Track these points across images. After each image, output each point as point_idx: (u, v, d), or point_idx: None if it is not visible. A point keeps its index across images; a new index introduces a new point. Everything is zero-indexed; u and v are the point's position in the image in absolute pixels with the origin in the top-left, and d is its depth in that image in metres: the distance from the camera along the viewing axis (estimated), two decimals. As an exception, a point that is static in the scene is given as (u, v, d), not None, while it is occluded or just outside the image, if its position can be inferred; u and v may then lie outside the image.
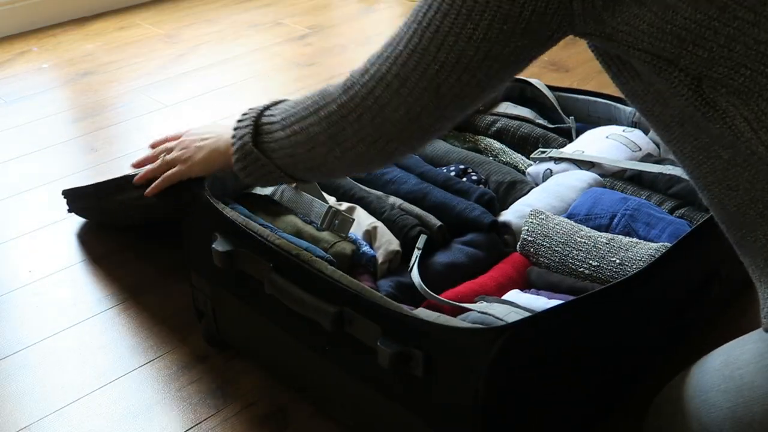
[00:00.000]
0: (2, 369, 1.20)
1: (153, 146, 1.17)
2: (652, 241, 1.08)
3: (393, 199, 1.19)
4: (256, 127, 0.93)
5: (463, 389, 0.84)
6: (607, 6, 0.69)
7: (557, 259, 1.08)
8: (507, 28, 0.72)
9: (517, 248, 1.12)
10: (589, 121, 1.46)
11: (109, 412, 1.12)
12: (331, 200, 1.20)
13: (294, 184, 1.16)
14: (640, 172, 1.24)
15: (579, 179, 1.23)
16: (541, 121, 1.43)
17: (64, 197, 1.52)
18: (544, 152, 1.31)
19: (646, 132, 1.35)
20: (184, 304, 1.31)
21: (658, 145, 1.32)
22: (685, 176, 1.20)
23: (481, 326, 0.85)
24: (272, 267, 1.00)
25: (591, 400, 1.02)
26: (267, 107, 0.95)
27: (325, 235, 1.09)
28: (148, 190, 1.12)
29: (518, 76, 1.53)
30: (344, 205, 1.18)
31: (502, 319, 0.89)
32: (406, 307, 0.91)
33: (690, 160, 0.77)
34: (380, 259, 1.08)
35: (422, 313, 0.92)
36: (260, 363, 1.18)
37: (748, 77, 0.66)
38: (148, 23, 2.62)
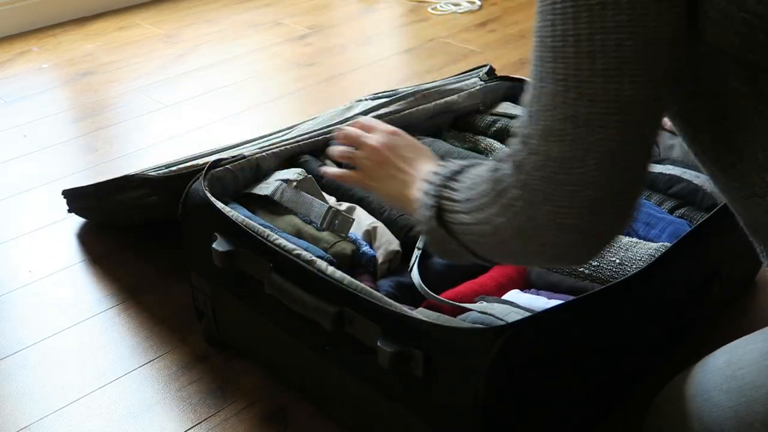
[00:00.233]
0: (2, 369, 1.20)
1: (356, 125, 1.00)
2: (652, 240, 1.08)
3: (393, 199, 1.19)
4: (440, 201, 0.78)
5: (463, 389, 0.84)
6: None
7: (557, 259, 1.08)
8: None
9: (517, 248, 1.12)
10: (589, 121, 1.45)
11: (109, 412, 1.12)
12: (331, 200, 1.20)
13: (294, 184, 1.16)
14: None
15: (579, 179, 1.22)
16: (541, 121, 1.43)
17: (64, 197, 1.52)
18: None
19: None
20: (184, 304, 1.31)
21: (657, 145, 1.32)
22: (685, 176, 1.20)
23: (481, 326, 0.85)
24: (272, 267, 1.00)
25: (591, 400, 1.02)
26: (450, 176, 0.79)
27: (325, 235, 1.09)
28: (326, 170, 1.00)
29: (518, 76, 1.54)
30: (344, 205, 1.18)
31: (502, 319, 0.89)
32: (406, 307, 0.91)
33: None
34: (380, 259, 1.08)
35: (422, 313, 0.92)
36: (260, 363, 1.18)
37: None
38: (148, 23, 2.62)
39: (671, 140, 1.31)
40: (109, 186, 1.38)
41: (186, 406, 1.13)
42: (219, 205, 1.08)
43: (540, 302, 0.98)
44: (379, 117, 1.38)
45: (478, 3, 2.70)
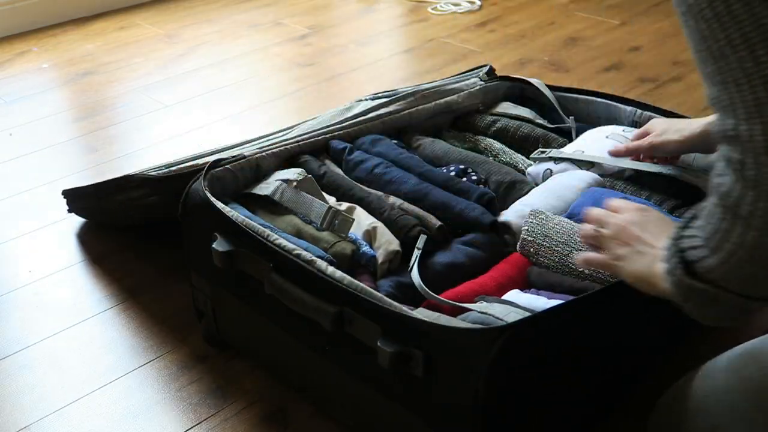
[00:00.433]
0: (2, 369, 1.20)
1: (590, 216, 0.95)
2: (652, 241, 1.08)
3: (393, 199, 1.19)
4: (683, 255, 0.73)
5: (463, 389, 0.84)
6: None
7: (557, 259, 1.08)
8: None
9: (517, 248, 1.12)
10: (589, 121, 1.46)
11: (109, 412, 1.12)
12: (331, 200, 1.20)
13: (294, 184, 1.16)
14: (640, 172, 1.24)
15: (579, 179, 1.23)
16: (541, 121, 1.43)
17: (64, 197, 1.53)
18: (543, 152, 1.31)
19: (646, 132, 1.35)
20: (184, 304, 1.31)
21: (658, 145, 1.32)
22: (685, 176, 1.20)
23: (481, 326, 0.85)
24: (272, 267, 1.00)
25: (591, 400, 1.02)
26: (683, 226, 0.75)
27: (325, 235, 1.09)
28: (578, 257, 0.94)
29: (518, 76, 1.54)
30: (344, 205, 1.18)
31: (502, 319, 0.89)
32: (406, 307, 0.91)
33: None
34: (380, 259, 1.08)
35: (422, 313, 0.92)
36: (260, 363, 1.18)
37: None
38: (148, 23, 2.62)
39: (671, 140, 1.31)
40: (109, 186, 1.38)
41: (186, 406, 1.13)
42: (219, 205, 1.08)
43: (540, 302, 0.98)
44: (379, 117, 1.38)
45: (478, 3, 2.70)
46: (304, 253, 0.99)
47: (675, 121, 1.21)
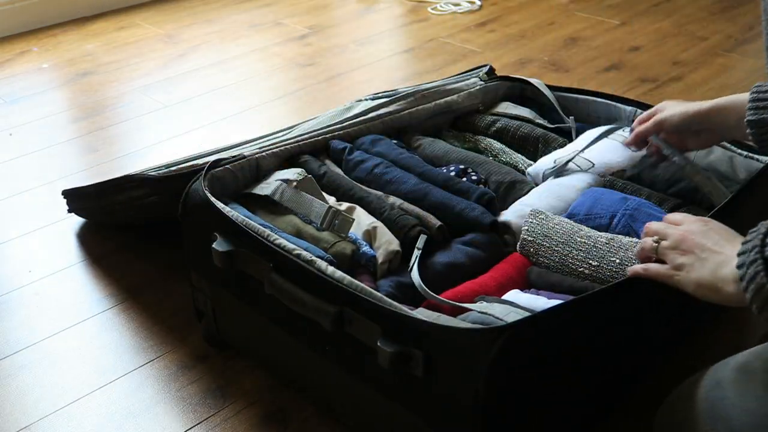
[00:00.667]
0: (2, 369, 1.20)
1: (650, 229, 0.95)
2: (652, 241, 1.08)
3: (393, 199, 1.19)
4: (767, 262, 0.73)
5: (463, 389, 0.84)
6: None
7: (557, 259, 1.08)
8: None
9: (517, 248, 1.12)
10: (589, 121, 1.46)
11: (109, 412, 1.12)
12: (331, 200, 1.20)
13: (294, 184, 1.16)
14: (640, 171, 1.24)
15: (579, 179, 1.23)
16: (541, 121, 1.43)
17: (64, 197, 1.53)
18: (554, 164, 1.31)
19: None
20: (184, 304, 1.31)
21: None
22: (689, 169, 1.20)
23: (481, 326, 0.85)
24: (272, 267, 1.00)
25: (591, 400, 1.02)
26: (767, 232, 0.75)
27: (325, 235, 1.09)
28: (629, 269, 0.93)
29: (518, 76, 1.54)
30: (344, 205, 1.18)
31: (502, 319, 0.89)
32: (406, 307, 0.91)
33: None
34: (380, 259, 1.08)
35: (422, 313, 0.92)
36: (260, 363, 1.18)
37: None
38: (148, 23, 2.62)
39: (671, 140, 1.31)
40: (109, 186, 1.38)
41: (186, 406, 1.13)
42: (219, 205, 1.08)
43: (540, 302, 0.98)
44: (379, 117, 1.38)
45: (478, 3, 2.70)
46: (304, 253, 0.99)
47: (683, 102, 1.17)
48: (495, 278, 1.07)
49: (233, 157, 1.20)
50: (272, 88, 2.13)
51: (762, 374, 0.78)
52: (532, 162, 1.33)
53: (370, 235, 1.11)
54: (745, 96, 1.04)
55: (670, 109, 1.15)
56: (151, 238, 1.49)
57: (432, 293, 1.00)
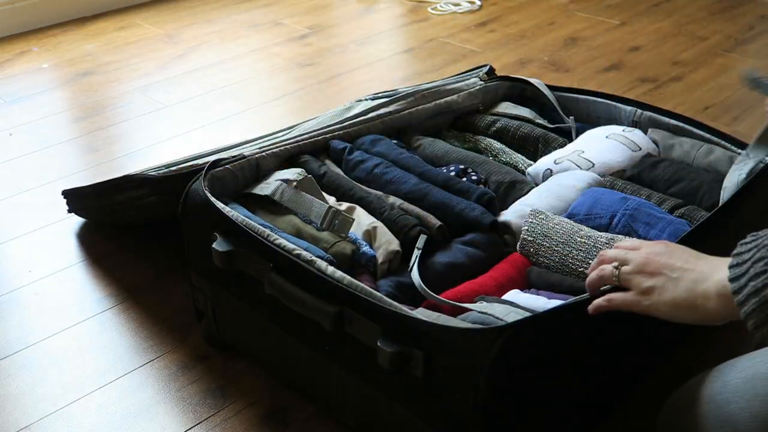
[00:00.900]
0: (2, 369, 1.20)
1: (606, 256, 0.89)
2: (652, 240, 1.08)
3: (393, 199, 1.19)
4: None
5: (463, 389, 0.84)
6: None
7: (557, 259, 1.08)
8: None
9: (517, 248, 1.12)
10: (589, 121, 1.46)
11: (109, 412, 1.12)
12: (331, 200, 1.20)
13: (294, 184, 1.16)
14: (640, 171, 1.24)
15: (579, 179, 1.23)
16: (541, 121, 1.43)
17: (64, 197, 1.53)
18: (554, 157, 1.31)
19: (645, 132, 1.35)
20: (184, 304, 1.31)
21: (657, 145, 1.32)
22: (684, 174, 1.20)
23: (481, 326, 0.85)
24: (272, 267, 1.00)
25: (591, 400, 1.02)
26: None
27: (325, 235, 1.09)
28: (591, 307, 0.86)
29: (518, 76, 1.54)
30: (344, 205, 1.18)
31: (502, 319, 0.89)
32: (406, 307, 0.91)
33: None
34: (380, 259, 1.08)
35: (422, 313, 0.92)
36: (260, 363, 1.18)
37: None
38: (148, 23, 2.62)
39: (671, 140, 1.31)
40: (109, 186, 1.38)
41: (186, 406, 1.13)
42: (219, 205, 1.08)
43: (540, 302, 0.98)
44: (379, 117, 1.38)
45: (478, 3, 2.70)
46: (304, 253, 0.99)
47: None
48: (495, 278, 1.07)
49: (233, 157, 1.20)
50: (272, 88, 2.13)
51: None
52: (532, 162, 1.33)
53: (370, 235, 1.11)
54: None
55: None
56: (151, 238, 1.49)
57: (432, 293, 1.00)
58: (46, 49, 2.41)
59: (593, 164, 1.27)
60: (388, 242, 1.09)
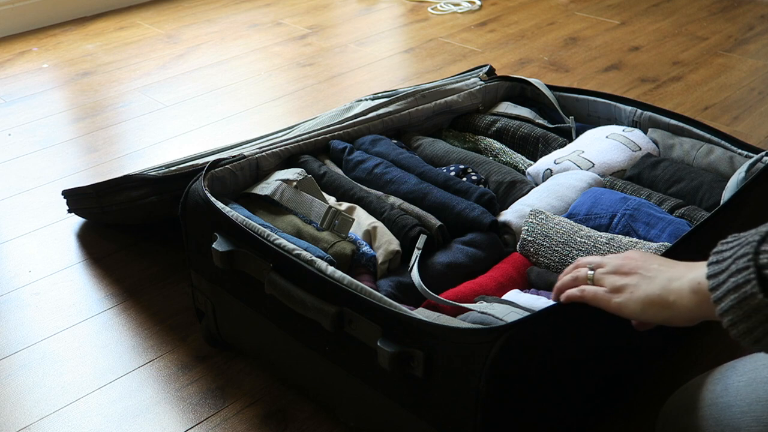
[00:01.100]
0: (2, 369, 1.20)
1: (582, 261, 0.89)
2: (652, 240, 1.08)
3: (393, 199, 1.19)
4: (760, 270, 0.66)
5: (463, 389, 0.84)
6: None
7: (557, 259, 1.08)
8: None
9: (517, 248, 1.12)
10: (589, 121, 1.46)
11: (109, 412, 1.12)
12: (331, 200, 1.20)
13: (294, 184, 1.16)
14: (640, 171, 1.24)
15: (579, 179, 1.23)
16: (541, 121, 1.43)
17: (64, 197, 1.53)
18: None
19: (645, 132, 1.35)
20: (184, 304, 1.31)
21: (657, 145, 1.32)
22: (684, 174, 1.20)
23: (481, 326, 0.85)
24: (272, 267, 1.00)
25: (591, 400, 1.02)
26: (765, 235, 0.69)
27: (325, 235, 1.09)
28: (563, 296, 0.87)
29: (518, 76, 1.54)
30: (344, 205, 1.18)
31: (502, 319, 0.89)
32: (406, 307, 0.91)
33: None
34: (380, 259, 1.08)
35: (422, 313, 0.92)
36: (260, 363, 1.18)
37: None
38: (148, 23, 2.62)
39: (671, 140, 1.31)
40: (109, 186, 1.38)
41: (186, 406, 1.13)
42: (219, 205, 1.08)
43: (540, 302, 0.98)
44: (379, 117, 1.38)
45: (478, 3, 2.70)
46: (304, 253, 0.99)
47: None
48: (495, 278, 1.07)
49: (233, 157, 1.20)
50: (272, 88, 2.13)
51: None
52: (532, 162, 1.33)
53: (370, 235, 1.11)
54: None
55: None
56: (151, 238, 1.49)
57: (432, 293, 1.00)
58: (46, 49, 2.41)
59: (593, 164, 1.27)
60: (388, 242, 1.09)
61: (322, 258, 1.01)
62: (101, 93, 2.12)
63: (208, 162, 1.18)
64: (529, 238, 1.10)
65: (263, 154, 1.23)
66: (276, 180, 1.17)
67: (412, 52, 2.36)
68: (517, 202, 1.20)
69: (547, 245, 1.09)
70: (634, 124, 1.39)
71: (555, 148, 1.35)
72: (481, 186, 1.23)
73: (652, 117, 1.36)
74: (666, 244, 1.05)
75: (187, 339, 1.25)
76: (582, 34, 2.42)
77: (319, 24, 2.59)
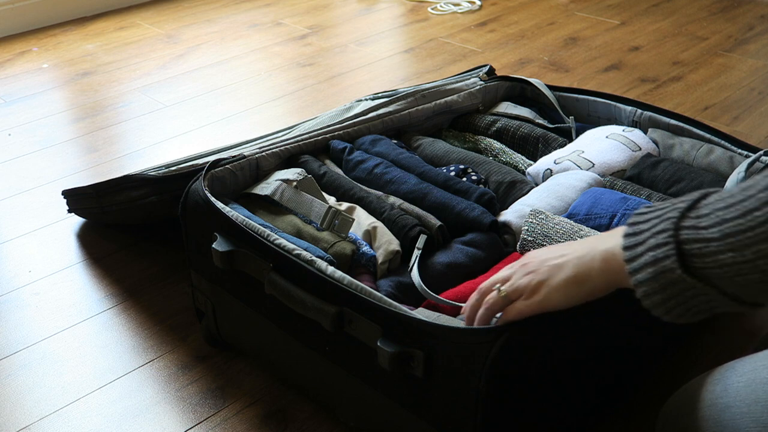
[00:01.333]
0: (2, 369, 1.20)
1: (484, 285, 0.87)
2: (652, 241, 1.08)
3: (393, 199, 1.19)
4: (684, 247, 0.67)
5: (463, 389, 0.84)
6: None
7: (557, 259, 1.08)
8: None
9: (517, 248, 1.12)
10: (589, 121, 1.46)
11: (109, 412, 1.12)
12: (331, 200, 1.20)
13: (294, 184, 1.16)
14: (640, 171, 1.24)
15: (579, 179, 1.23)
16: (541, 121, 1.43)
17: (64, 197, 1.53)
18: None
19: (645, 132, 1.35)
20: (184, 304, 1.31)
21: (657, 145, 1.32)
22: (684, 174, 1.20)
23: (481, 326, 0.85)
24: (272, 267, 1.00)
25: (591, 400, 1.02)
26: (685, 211, 0.69)
27: (325, 235, 1.09)
28: (472, 321, 0.86)
29: (518, 76, 1.54)
30: (344, 205, 1.18)
31: (502, 319, 0.89)
32: (406, 307, 0.91)
33: None
34: (380, 259, 1.08)
35: (422, 313, 0.92)
36: (260, 363, 1.18)
37: None
38: (148, 23, 2.62)
39: (671, 140, 1.31)
40: (109, 186, 1.38)
41: (186, 406, 1.13)
42: (219, 205, 1.08)
43: (540, 302, 0.98)
44: (379, 117, 1.38)
45: (478, 3, 2.70)
46: (304, 253, 0.99)
47: None
48: (495, 278, 1.07)
49: (233, 157, 1.20)
50: (272, 88, 2.13)
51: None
52: (532, 162, 1.33)
53: (370, 235, 1.11)
54: None
55: None
56: (151, 238, 1.49)
57: (432, 293, 1.00)
58: (46, 49, 2.41)
59: (593, 164, 1.27)
60: (388, 242, 1.09)
61: (322, 258, 1.01)
62: (101, 93, 2.12)
63: (208, 162, 1.18)
64: (529, 238, 1.10)
65: (263, 154, 1.23)
66: (276, 180, 1.17)
67: (412, 52, 2.36)
68: (517, 202, 1.20)
69: (547, 245, 1.09)
70: (634, 124, 1.39)
71: (555, 148, 1.35)
72: (481, 186, 1.23)
73: (652, 117, 1.36)
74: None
75: (187, 339, 1.25)
76: (582, 34, 2.42)
77: (319, 24, 2.59)
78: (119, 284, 1.38)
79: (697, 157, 1.26)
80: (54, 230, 1.54)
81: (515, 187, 1.25)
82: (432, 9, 2.67)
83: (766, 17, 2.52)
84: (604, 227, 1.12)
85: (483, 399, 0.83)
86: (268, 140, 1.35)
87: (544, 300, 0.80)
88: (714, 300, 0.67)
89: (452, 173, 1.26)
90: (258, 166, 1.22)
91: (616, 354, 1.01)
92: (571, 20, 2.54)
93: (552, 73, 2.14)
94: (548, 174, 1.27)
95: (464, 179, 1.25)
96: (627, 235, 0.72)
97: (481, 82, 1.51)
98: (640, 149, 1.29)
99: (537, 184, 1.26)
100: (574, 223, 1.11)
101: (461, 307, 0.95)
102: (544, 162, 1.29)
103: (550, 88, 1.49)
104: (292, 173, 1.18)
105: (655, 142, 1.32)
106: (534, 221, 1.11)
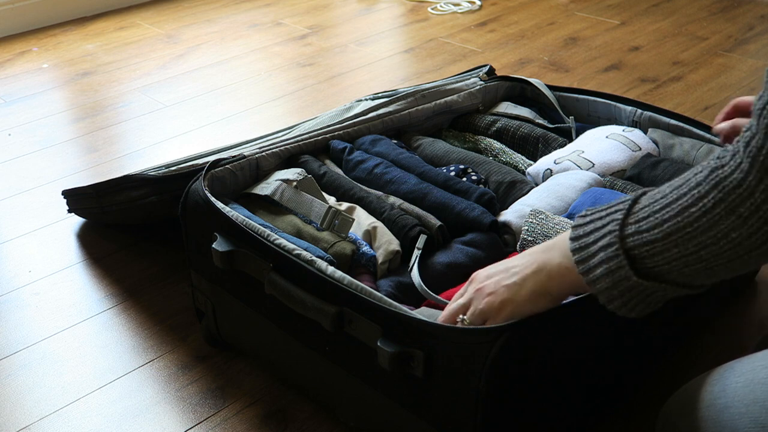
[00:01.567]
0: (2, 369, 1.20)
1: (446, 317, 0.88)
2: (652, 241, 1.08)
3: (393, 199, 1.19)
4: (629, 253, 0.71)
5: (463, 389, 0.84)
6: None
7: (557, 259, 1.08)
8: None
9: (517, 248, 1.12)
10: (589, 121, 1.46)
11: (109, 412, 1.12)
12: (331, 200, 1.20)
13: (294, 184, 1.16)
14: (640, 171, 1.24)
15: (579, 179, 1.23)
16: (541, 121, 1.43)
17: (64, 197, 1.53)
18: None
19: (645, 132, 1.35)
20: (184, 304, 1.31)
21: (657, 145, 1.32)
22: (681, 173, 1.20)
23: (481, 326, 0.85)
24: (272, 267, 1.00)
25: (591, 400, 1.02)
26: (624, 220, 0.72)
27: (325, 235, 1.09)
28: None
29: (518, 76, 1.54)
30: (344, 205, 1.18)
31: (502, 319, 0.89)
32: (406, 307, 0.91)
33: None
34: (380, 259, 1.08)
35: (422, 313, 0.92)
36: (260, 363, 1.18)
37: None
38: (148, 23, 2.62)
39: (671, 140, 1.31)
40: (109, 186, 1.38)
41: (186, 406, 1.13)
42: (219, 205, 1.08)
43: (540, 302, 0.98)
44: (379, 117, 1.38)
45: (478, 3, 2.70)
46: (304, 253, 0.99)
47: None
48: (495, 278, 1.07)
49: (233, 157, 1.20)
50: (272, 88, 2.13)
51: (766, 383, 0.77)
52: (532, 162, 1.33)
53: (370, 235, 1.11)
54: None
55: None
56: (151, 238, 1.49)
57: (432, 293, 1.00)
58: (46, 49, 2.41)
59: (593, 164, 1.27)
60: (388, 242, 1.09)
61: (322, 258, 1.01)
62: (101, 93, 2.12)
63: (208, 162, 1.18)
64: (529, 238, 1.10)
65: (263, 154, 1.23)
66: (276, 180, 1.17)
67: (412, 52, 2.36)
68: (517, 202, 1.20)
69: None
70: (634, 124, 1.39)
71: (555, 148, 1.35)
72: (481, 186, 1.23)
73: (652, 117, 1.36)
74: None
75: (187, 339, 1.25)
76: (582, 34, 2.42)
77: (319, 24, 2.59)
78: (119, 284, 1.38)
79: (697, 157, 1.26)
80: (54, 230, 1.54)
81: (515, 187, 1.25)
82: (432, 9, 2.67)
83: (766, 17, 2.52)
84: (604, 227, 1.12)
85: (483, 399, 0.83)
86: (268, 140, 1.35)
87: (513, 315, 0.83)
88: (668, 291, 0.72)
89: (452, 173, 1.26)
90: (258, 166, 1.22)
91: (616, 354, 1.01)
92: (571, 20, 2.54)
93: (552, 73, 2.14)
94: (548, 174, 1.27)
95: (464, 179, 1.25)
96: (575, 250, 0.75)
97: (481, 82, 1.51)
98: (640, 149, 1.29)
99: (537, 184, 1.26)
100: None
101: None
102: (544, 162, 1.29)
103: (550, 88, 1.49)
104: (292, 173, 1.18)
105: (655, 142, 1.32)
106: (534, 221, 1.11)
